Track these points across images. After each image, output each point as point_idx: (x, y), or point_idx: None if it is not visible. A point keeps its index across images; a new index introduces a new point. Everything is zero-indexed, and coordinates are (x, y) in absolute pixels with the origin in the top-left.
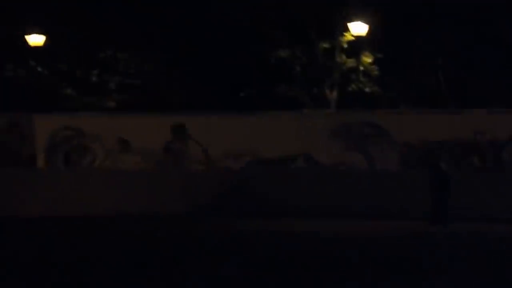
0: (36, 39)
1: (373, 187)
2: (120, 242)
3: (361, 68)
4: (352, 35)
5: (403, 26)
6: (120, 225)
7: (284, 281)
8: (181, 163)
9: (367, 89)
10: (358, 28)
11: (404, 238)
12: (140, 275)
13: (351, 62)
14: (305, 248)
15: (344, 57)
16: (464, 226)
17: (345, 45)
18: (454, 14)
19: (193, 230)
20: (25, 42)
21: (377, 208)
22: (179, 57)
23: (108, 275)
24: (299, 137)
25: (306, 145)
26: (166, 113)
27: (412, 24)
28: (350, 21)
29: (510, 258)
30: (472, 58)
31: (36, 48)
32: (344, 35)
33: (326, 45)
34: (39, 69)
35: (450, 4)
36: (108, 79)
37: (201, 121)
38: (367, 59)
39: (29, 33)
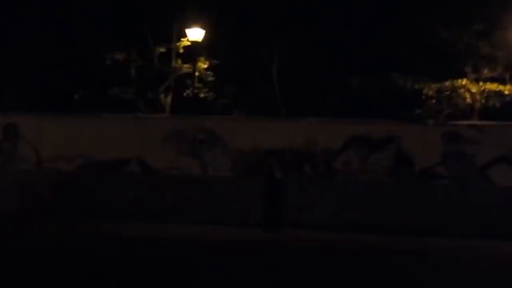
0: None
1: (206, 193)
2: None
3: (197, 73)
4: (189, 41)
5: (239, 32)
6: None
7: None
8: (12, 163)
9: (201, 95)
10: (194, 34)
11: (236, 244)
12: None
13: (187, 68)
14: (131, 252)
15: (180, 62)
16: (296, 232)
17: (181, 50)
18: (287, 21)
19: (16, 231)
20: None
21: (210, 214)
22: (12, 57)
23: None
24: (132, 141)
25: (139, 149)
26: None
27: (247, 31)
28: (187, 27)
29: (338, 263)
30: (305, 67)
31: None
32: (181, 40)
33: (162, 50)
34: None
35: (288, 13)
36: None
37: (33, 121)
38: (203, 64)
39: None
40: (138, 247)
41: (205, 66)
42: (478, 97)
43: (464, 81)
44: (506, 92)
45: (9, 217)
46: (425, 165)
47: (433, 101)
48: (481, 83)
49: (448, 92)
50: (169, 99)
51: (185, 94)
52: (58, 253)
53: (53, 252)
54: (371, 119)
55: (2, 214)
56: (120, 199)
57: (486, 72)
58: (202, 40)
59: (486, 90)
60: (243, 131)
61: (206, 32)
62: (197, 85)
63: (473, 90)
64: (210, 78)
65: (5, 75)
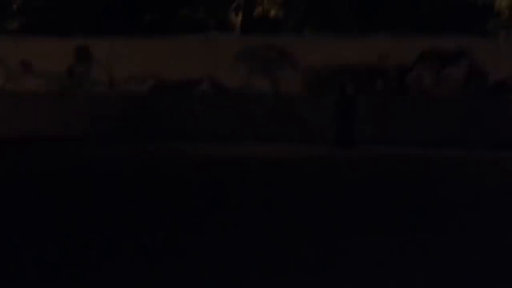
0: None
1: (279, 111)
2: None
3: None
4: None
5: None
6: (21, 148)
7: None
8: (85, 86)
9: (272, 13)
10: None
11: (309, 161)
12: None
13: None
14: (208, 172)
15: None
16: (370, 148)
17: None
18: None
19: (93, 154)
20: None
21: (283, 132)
22: None
23: None
24: (203, 61)
25: (211, 68)
26: (70, 36)
27: None
28: None
29: (414, 179)
30: None
31: None
32: None
33: None
34: None
35: None
36: (10, 1)
37: (106, 44)
38: None
39: None
40: (211, 166)
41: None
42: None
43: None
44: None
45: (83, 139)
46: (498, 77)
47: (505, 13)
48: None
49: None
50: (239, 18)
51: (255, 13)
52: (138, 174)
53: (132, 173)
54: (443, 33)
55: (76, 137)
56: (192, 118)
57: None
58: None
59: None
60: (315, 48)
61: None
62: (267, 3)
63: None
64: None
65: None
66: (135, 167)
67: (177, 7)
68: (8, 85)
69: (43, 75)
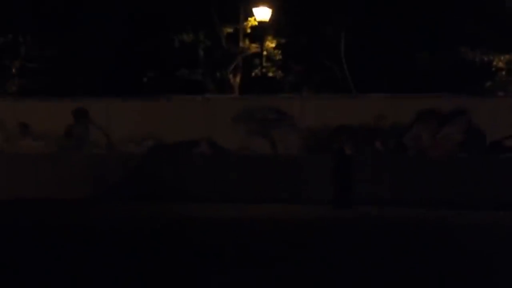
0: None
1: (277, 171)
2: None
3: (265, 53)
4: (256, 20)
5: (305, 10)
6: (16, 210)
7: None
8: (83, 147)
9: (270, 74)
10: (261, 13)
11: (307, 222)
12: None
13: (254, 47)
14: (203, 233)
15: (247, 42)
16: (368, 209)
17: (249, 30)
18: None
19: (92, 215)
20: None
21: (281, 193)
22: (81, 42)
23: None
24: (202, 122)
25: (209, 130)
26: (68, 98)
27: (313, 9)
28: (254, 6)
29: (413, 240)
30: (373, 43)
31: None
32: (248, 20)
33: (229, 30)
34: None
35: None
36: (9, 64)
37: (103, 105)
38: (271, 44)
39: None
40: (209, 227)
41: (273, 45)
42: None
43: None
44: None
45: (83, 200)
46: (496, 138)
47: (503, 73)
48: None
49: None
50: (237, 79)
51: (253, 74)
52: (133, 235)
53: (128, 234)
54: (440, 93)
55: (76, 199)
56: (191, 180)
57: None
58: (269, 19)
59: None
60: (313, 109)
61: (272, 11)
62: (265, 64)
63: None
64: (278, 57)
65: (74, 60)
66: (133, 228)
67: (175, 69)
68: (6, 147)
69: (41, 136)
